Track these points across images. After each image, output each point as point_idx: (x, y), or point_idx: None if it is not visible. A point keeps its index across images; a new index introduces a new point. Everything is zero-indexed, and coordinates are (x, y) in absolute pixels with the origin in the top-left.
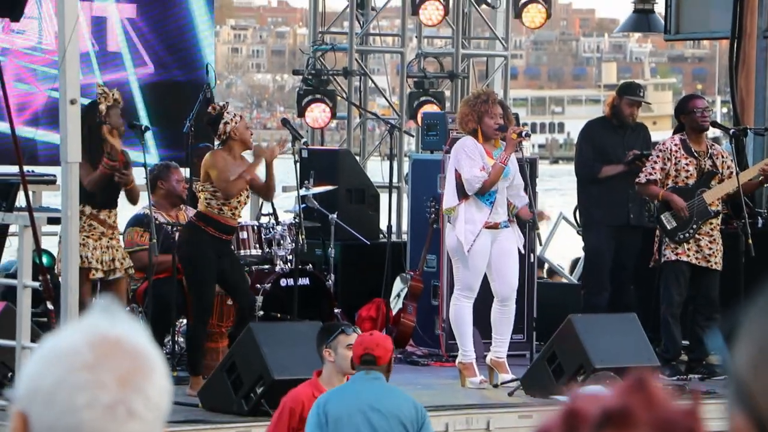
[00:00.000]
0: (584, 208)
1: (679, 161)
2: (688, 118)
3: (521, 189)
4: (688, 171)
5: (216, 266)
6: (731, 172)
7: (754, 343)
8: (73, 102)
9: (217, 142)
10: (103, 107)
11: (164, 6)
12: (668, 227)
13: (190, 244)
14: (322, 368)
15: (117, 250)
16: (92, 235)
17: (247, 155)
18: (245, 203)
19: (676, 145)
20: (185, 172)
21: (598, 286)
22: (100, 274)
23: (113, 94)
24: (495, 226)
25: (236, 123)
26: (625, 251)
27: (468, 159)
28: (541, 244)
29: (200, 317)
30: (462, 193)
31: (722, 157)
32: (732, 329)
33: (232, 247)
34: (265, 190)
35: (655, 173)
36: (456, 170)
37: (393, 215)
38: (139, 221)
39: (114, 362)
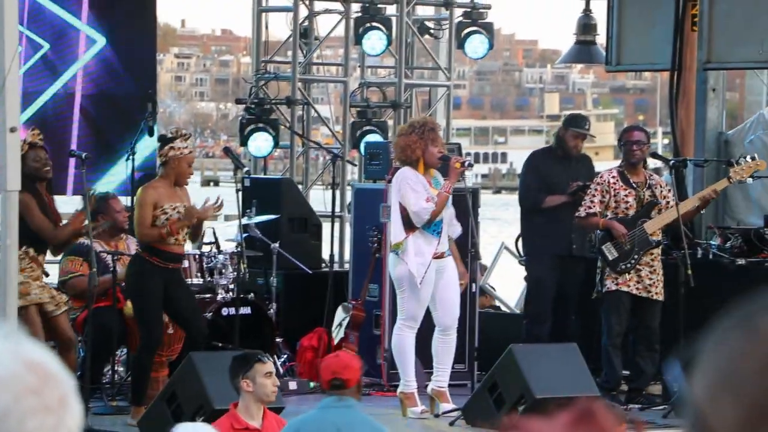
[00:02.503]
0: (527, 237)
1: (618, 193)
2: (623, 149)
3: (453, 217)
4: (627, 202)
5: (163, 296)
6: (667, 202)
7: (711, 373)
8: (12, 130)
9: (158, 164)
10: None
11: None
12: (610, 258)
13: (136, 275)
14: (239, 400)
15: (51, 289)
16: (31, 275)
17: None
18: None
19: (613, 177)
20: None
21: (541, 316)
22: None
23: (28, 137)
24: (441, 256)
25: (180, 154)
26: (568, 281)
27: (412, 191)
28: (482, 274)
29: (147, 347)
30: (408, 226)
31: (661, 187)
32: (690, 359)
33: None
34: (192, 236)
35: (594, 206)
36: (400, 204)
37: (335, 244)
38: (76, 250)
39: (52, 384)
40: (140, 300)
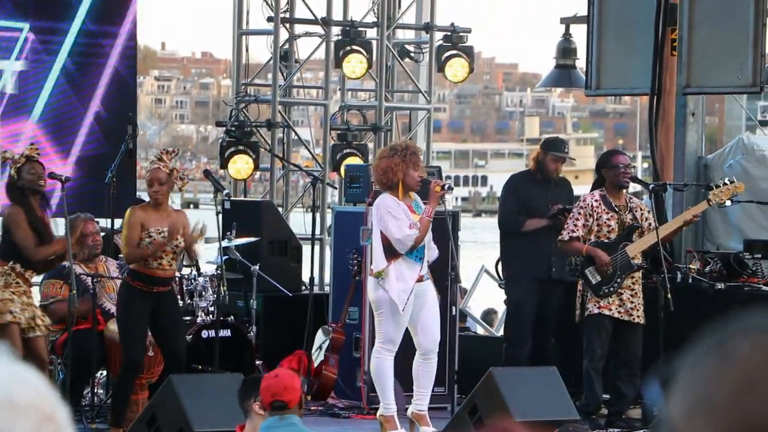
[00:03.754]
0: (507, 261)
1: (600, 216)
2: (610, 173)
3: (431, 240)
4: (609, 225)
5: (149, 321)
6: (649, 224)
7: (689, 392)
8: None
9: None
10: (13, 172)
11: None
12: (593, 281)
13: (122, 301)
14: (246, 422)
15: (36, 308)
16: (17, 291)
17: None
18: (175, 251)
19: (596, 200)
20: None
21: (520, 339)
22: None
23: (26, 151)
24: (420, 279)
25: (146, 173)
26: (547, 305)
27: (394, 219)
28: (462, 298)
29: (126, 367)
30: (390, 253)
31: (641, 209)
32: (668, 378)
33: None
34: (188, 258)
35: (578, 230)
36: (381, 232)
37: (315, 267)
38: (57, 273)
39: (61, 411)
40: (123, 321)
